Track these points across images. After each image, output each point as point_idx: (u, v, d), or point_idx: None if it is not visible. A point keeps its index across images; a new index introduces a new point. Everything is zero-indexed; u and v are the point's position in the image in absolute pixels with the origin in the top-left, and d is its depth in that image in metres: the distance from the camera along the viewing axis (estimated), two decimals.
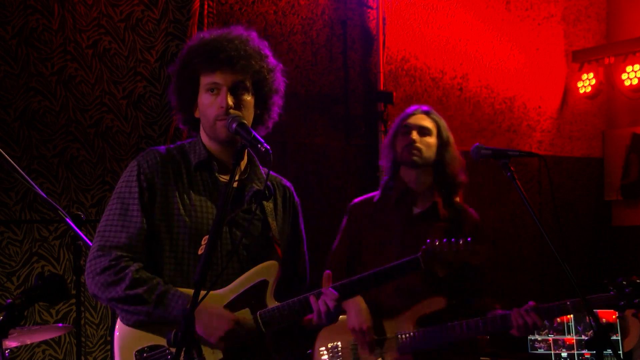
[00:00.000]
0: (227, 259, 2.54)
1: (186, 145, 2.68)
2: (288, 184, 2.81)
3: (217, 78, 2.53)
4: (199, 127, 2.67)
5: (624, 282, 3.15)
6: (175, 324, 2.35)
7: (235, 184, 2.59)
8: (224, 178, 2.62)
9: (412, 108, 3.76)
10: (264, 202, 2.65)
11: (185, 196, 2.57)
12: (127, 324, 2.54)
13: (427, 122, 3.68)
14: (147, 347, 2.49)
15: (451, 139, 3.72)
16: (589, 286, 6.36)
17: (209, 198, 2.58)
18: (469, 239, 2.76)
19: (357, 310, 3.47)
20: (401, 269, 2.70)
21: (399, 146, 3.65)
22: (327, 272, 2.59)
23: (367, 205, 3.73)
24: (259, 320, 2.52)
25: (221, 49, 2.53)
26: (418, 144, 3.60)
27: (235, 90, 2.54)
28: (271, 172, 2.75)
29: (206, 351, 2.49)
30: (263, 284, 2.56)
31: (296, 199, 2.80)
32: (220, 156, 2.63)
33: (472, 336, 3.41)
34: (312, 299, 2.53)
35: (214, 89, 2.54)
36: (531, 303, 3.33)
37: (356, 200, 3.79)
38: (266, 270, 2.57)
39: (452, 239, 2.77)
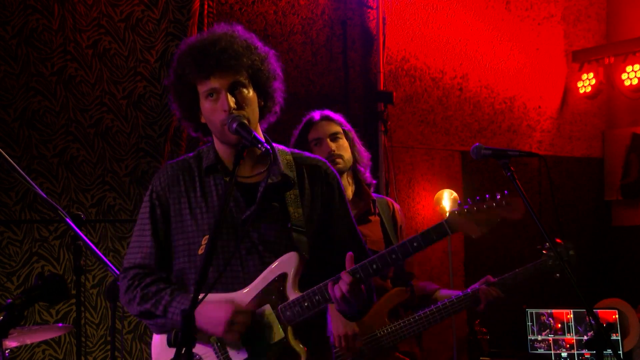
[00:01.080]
0: (230, 258, 2.51)
1: (203, 150, 2.69)
2: (321, 161, 2.71)
3: (213, 83, 2.51)
4: (209, 131, 2.66)
5: (552, 245, 3.31)
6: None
7: (253, 180, 2.59)
8: (239, 179, 2.60)
9: (314, 117, 3.78)
10: (287, 192, 2.60)
11: (196, 204, 2.58)
12: (158, 334, 2.63)
13: (333, 127, 3.73)
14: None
15: (354, 136, 3.80)
16: (589, 286, 6.38)
17: (221, 203, 2.56)
18: (505, 192, 2.49)
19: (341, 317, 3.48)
20: (426, 238, 2.46)
21: None
22: (350, 253, 2.48)
23: None
24: (280, 315, 2.48)
25: (209, 54, 2.51)
26: (336, 151, 3.66)
27: (234, 90, 2.52)
28: (306, 154, 2.71)
29: (231, 351, 2.49)
30: (282, 277, 2.51)
31: (332, 174, 2.68)
32: (230, 159, 2.61)
33: (446, 318, 3.53)
34: (329, 286, 2.45)
35: (212, 94, 2.52)
36: (489, 277, 3.55)
37: None
38: (285, 262, 2.52)
39: (487, 195, 2.50)
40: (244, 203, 2.56)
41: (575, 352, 4.54)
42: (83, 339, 4.17)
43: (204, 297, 2.16)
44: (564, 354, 4.56)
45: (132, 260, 2.64)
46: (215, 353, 2.51)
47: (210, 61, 2.50)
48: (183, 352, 2.07)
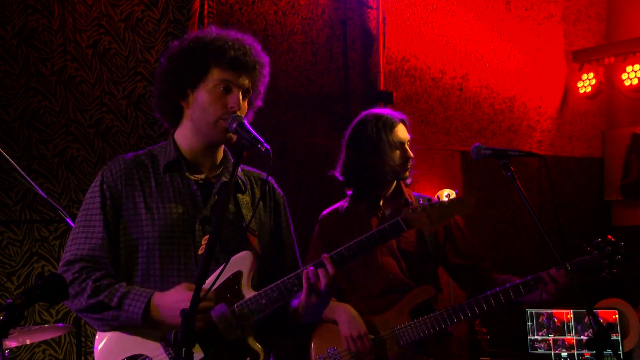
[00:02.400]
0: (200, 257, 2.50)
1: (156, 149, 2.66)
2: (269, 178, 2.75)
3: (235, 79, 2.52)
4: (176, 118, 2.63)
5: (602, 242, 3.30)
6: (147, 328, 2.41)
7: (206, 180, 2.60)
8: (197, 177, 2.61)
9: (394, 117, 3.65)
10: (240, 195, 2.63)
11: (152, 201, 2.55)
12: (103, 331, 2.53)
13: (407, 134, 3.67)
14: (126, 358, 2.47)
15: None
16: (588, 286, 6.37)
17: (179, 200, 2.56)
18: (455, 191, 2.72)
19: (348, 318, 3.46)
20: (383, 234, 2.60)
21: (392, 161, 3.59)
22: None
23: (338, 214, 3.73)
24: (237, 313, 2.46)
25: (247, 53, 2.54)
26: (412, 160, 3.62)
27: (243, 96, 2.55)
28: (249, 168, 2.75)
29: None
30: (238, 275, 2.50)
31: (279, 192, 2.77)
32: (194, 155, 2.61)
33: (467, 319, 3.40)
34: (304, 274, 2.45)
35: (225, 87, 2.52)
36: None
37: (326, 211, 3.79)
38: (240, 260, 2.52)
39: (438, 195, 2.72)
40: (202, 202, 2.56)
41: (575, 352, 4.54)
42: (83, 339, 4.17)
43: (204, 297, 2.16)
44: (564, 354, 4.56)
45: (78, 252, 2.51)
46: (167, 353, 2.46)
47: (247, 59, 2.53)
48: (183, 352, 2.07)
